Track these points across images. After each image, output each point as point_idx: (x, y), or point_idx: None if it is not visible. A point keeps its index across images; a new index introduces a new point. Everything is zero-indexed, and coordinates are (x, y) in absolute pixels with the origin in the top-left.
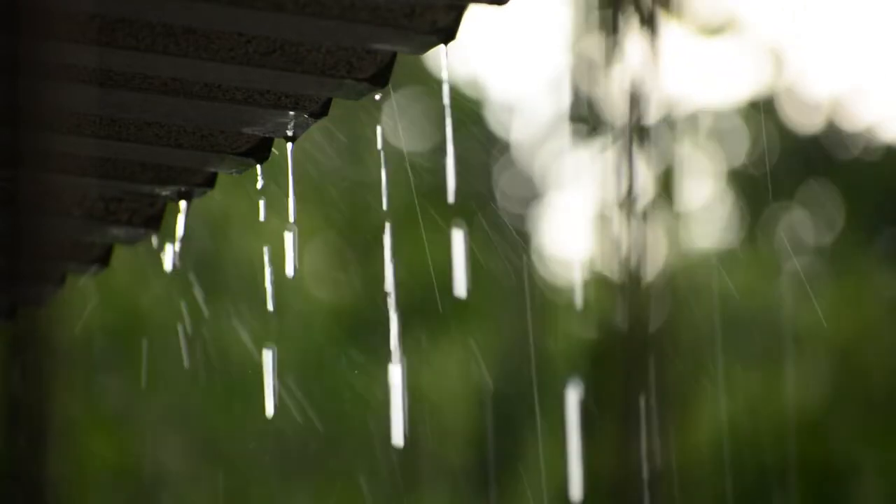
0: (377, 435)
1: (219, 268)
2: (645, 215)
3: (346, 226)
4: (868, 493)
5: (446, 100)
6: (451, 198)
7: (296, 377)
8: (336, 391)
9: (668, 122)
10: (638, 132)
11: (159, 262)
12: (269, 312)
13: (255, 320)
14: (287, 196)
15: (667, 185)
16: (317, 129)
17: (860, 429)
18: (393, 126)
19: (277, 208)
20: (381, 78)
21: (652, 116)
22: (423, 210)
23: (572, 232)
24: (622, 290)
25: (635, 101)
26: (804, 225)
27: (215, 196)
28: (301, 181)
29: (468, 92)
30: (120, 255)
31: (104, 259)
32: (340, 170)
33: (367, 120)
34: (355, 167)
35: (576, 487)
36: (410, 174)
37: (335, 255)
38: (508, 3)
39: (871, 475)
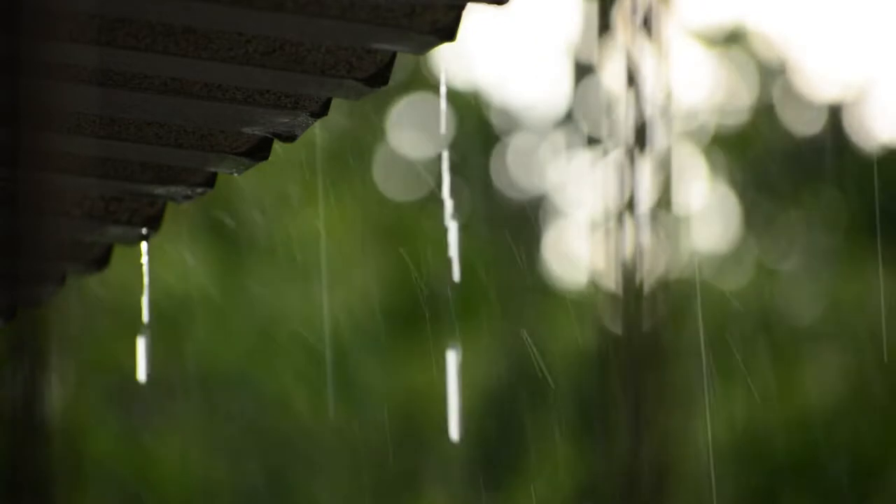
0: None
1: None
2: (645, 219)
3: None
4: (873, 495)
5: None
6: (450, 200)
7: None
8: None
9: (669, 126)
10: (639, 136)
11: None
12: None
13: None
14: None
15: (667, 188)
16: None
17: (862, 428)
18: (398, 130)
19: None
20: (381, 78)
21: (652, 120)
22: (426, 213)
23: (573, 235)
24: (622, 292)
25: (636, 104)
26: (806, 226)
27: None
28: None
29: (470, 96)
30: None
31: (104, 259)
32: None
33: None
34: (362, 170)
35: None
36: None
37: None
38: (509, 4)
39: (877, 475)
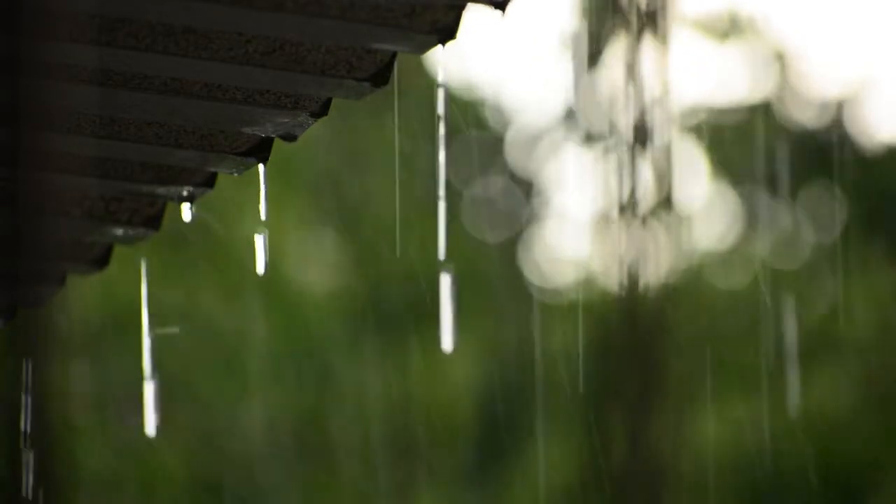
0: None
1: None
2: (645, 217)
3: (350, 224)
4: (878, 495)
5: (441, 104)
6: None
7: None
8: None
9: (669, 123)
10: (638, 133)
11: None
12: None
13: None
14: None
15: (667, 186)
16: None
17: (863, 427)
18: (394, 128)
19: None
20: (381, 77)
21: (652, 117)
22: (424, 210)
23: (572, 233)
24: (622, 291)
25: (635, 102)
26: (806, 224)
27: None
28: (307, 179)
29: (468, 94)
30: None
31: (104, 259)
32: (346, 169)
33: (374, 122)
34: (359, 167)
35: None
36: (409, 175)
37: (338, 251)
38: (507, 9)
39: (881, 478)
